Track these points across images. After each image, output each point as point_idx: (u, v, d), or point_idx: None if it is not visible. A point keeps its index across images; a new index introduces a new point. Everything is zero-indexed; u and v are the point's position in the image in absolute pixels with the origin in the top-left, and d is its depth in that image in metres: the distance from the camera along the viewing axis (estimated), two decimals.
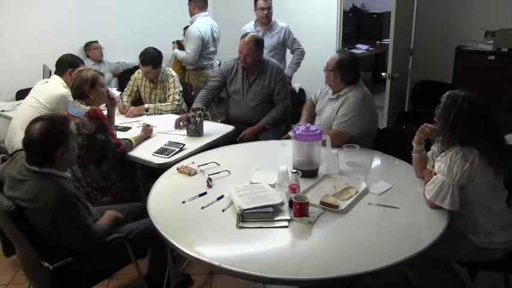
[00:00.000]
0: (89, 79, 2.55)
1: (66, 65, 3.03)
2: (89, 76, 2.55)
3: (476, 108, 1.84)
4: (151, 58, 3.36)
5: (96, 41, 4.63)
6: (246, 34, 3.24)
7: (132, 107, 3.42)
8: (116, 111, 2.92)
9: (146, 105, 3.38)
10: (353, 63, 2.61)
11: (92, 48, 4.60)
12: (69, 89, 2.95)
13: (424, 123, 2.09)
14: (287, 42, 4.10)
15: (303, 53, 4.12)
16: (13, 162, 1.93)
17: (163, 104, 3.40)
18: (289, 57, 4.23)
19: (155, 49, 3.43)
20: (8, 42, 4.05)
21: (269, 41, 4.00)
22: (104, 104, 2.73)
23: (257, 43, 3.20)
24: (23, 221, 1.76)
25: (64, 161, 1.87)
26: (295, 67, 4.14)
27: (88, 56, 4.60)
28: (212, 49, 4.26)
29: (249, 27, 4.08)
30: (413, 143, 2.11)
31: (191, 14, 4.22)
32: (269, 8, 3.96)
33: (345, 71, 2.57)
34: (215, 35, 4.25)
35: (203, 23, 4.14)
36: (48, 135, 1.79)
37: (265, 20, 3.99)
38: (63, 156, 1.85)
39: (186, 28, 4.74)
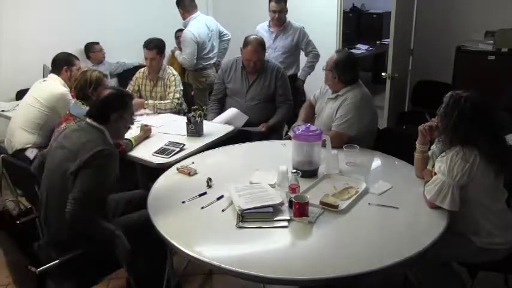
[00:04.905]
0: (93, 81, 2.55)
1: (61, 64, 3.05)
2: (93, 78, 2.56)
3: (479, 109, 1.84)
4: (156, 43, 3.42)
5: (98, 43, 4.60)
6: (247, 42, 3.19)
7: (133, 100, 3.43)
8: None
9: (146, 102, 3.40)
10: (350, 63, 2.60)
11: (95, 51, 4.56)
12: (67, 87, 2.96)
13: (421, 124, 2.09)
14: (301, 44, 3.99)
15: (317, 55, 4.00)
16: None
17: (162, 102, 3.39)
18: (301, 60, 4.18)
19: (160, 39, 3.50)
20: (7, 42, 4.04)
21: (282, 43, 3.94)
22: None
23: (262, 46, 3.23)
24: (13, 224, 1.75)
25: (116, 127, 2.06)
26: (308, 70, 4.05)
27: (89, 58, 4.58)
28: (209, 49, 4.23)
29: (262, 27, 4.03)
30: (417, 143, 2.11)
31: (183, 18, 4.20)
32: (281, 11, 3.87)
33: (341, 71, 2.57)
34: (209, 34, 4.21)
35: (196, 25, 4.11)
36: (111, 97, 2.08)
37: (278, 22, 3.92)
38: (117, 122, 2.05)
39: (178, 31, 4.74)
